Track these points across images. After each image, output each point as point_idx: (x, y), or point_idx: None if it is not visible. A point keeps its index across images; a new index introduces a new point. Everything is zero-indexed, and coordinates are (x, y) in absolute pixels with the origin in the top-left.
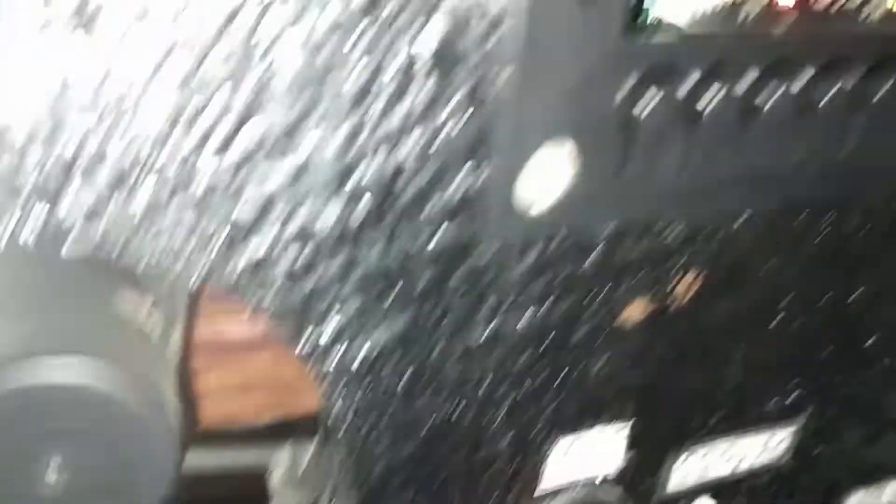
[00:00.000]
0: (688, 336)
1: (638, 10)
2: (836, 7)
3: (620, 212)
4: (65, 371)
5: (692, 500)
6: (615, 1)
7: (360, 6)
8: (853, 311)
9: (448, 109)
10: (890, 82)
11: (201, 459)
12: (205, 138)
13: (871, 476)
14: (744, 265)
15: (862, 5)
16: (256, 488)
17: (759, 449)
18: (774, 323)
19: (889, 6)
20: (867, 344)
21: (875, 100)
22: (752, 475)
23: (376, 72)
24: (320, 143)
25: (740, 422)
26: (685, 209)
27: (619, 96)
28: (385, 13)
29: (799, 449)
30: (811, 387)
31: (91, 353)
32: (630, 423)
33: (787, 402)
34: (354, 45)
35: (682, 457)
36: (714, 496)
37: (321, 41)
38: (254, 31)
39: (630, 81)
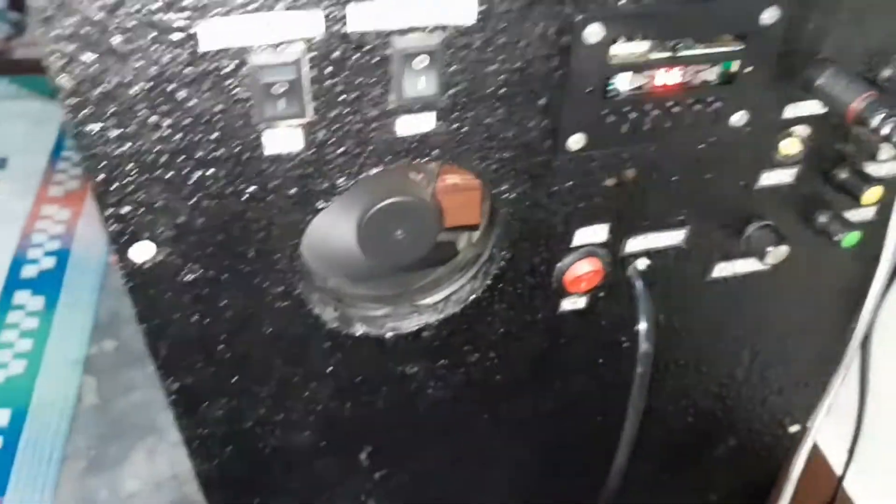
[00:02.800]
0: (632, 190)
1: (606, 92)
2: (681, 81)
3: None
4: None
5: (637, 258)
6: (598, 91)
7: None
8: None
9: None
10: (700, 105)
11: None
12: None
13: (727, 257)
14: None
15: (691, 80)
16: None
17: (668, 238)
18: (671, 187)
19: None
20: None
21: (694, 112)
22: (666, 249)
23: None
24: None
25: (657, 227)
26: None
27: (601, 118)
28: None
29: (687, 241)
30: (690, 214)
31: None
32: (608, 224)
33: (679, 219)
34: None
35: (632, 237)
36: (648, 257)
37: None
38: None
39: (603, 112)
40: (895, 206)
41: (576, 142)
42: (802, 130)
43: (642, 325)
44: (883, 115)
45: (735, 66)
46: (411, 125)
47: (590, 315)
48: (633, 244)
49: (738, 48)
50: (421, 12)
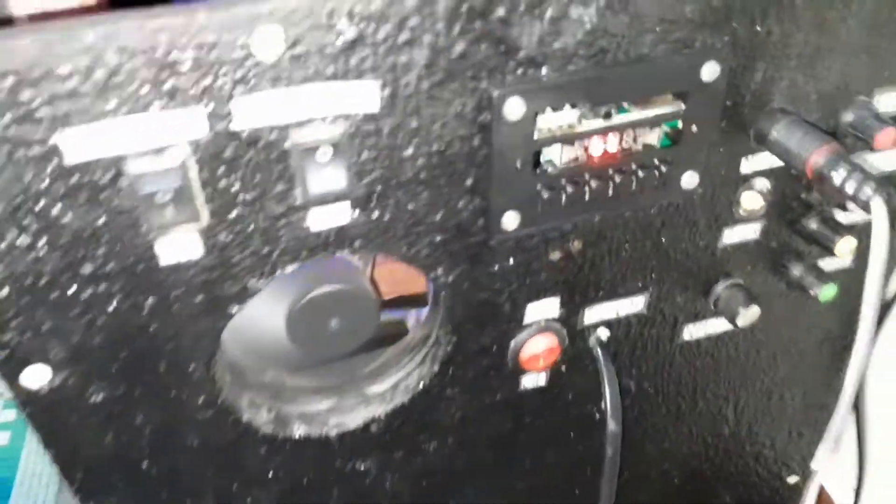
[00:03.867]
0: (581, 261)
1: (537, 165)
2: (620, 148)
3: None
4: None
5: (597, 328)
6: (528, 166)
7: None
8: None
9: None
10: (646, 171)
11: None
12: None
13: (696, 317)
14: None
15: (631, 147)
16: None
17: (628, 305)
18: (624, 253)
19: None
20: None
21: (639, 178)
22: (627, 317)
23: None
24: None
25: (614, 295)
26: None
27: (534, 195)
28: None
29: (650, 306)
30: (649, 279)
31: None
32: (559, 297)
33: (639, 285)
34: None
35: (589, 309)
36: (608, 327)
37: None
38: None
39: (537, 188)
40: (871, 252)
41: (510, 221)
42: (762, 184)
43: (607, 402)
44: (845, 172)
45: (679, 125)
46: (325, 219)
47: (554, 391)
48: (591, 315)
49: (678, 108)
50: (316, 103)
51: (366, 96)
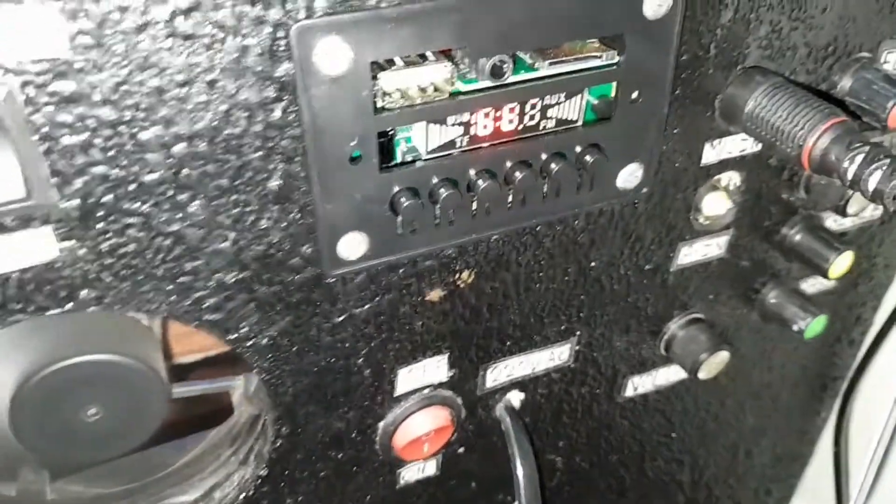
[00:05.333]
0: (475, 300)
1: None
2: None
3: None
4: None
5: (506, 393)
6: (371, 158)
7: None
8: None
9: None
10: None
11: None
12: None
13: (643, 366)
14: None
15: (538, 124)
16: (226, 404)
17: (547, 358)
18: (538, 284)
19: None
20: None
21: (553, 173)
22: (548, 374)
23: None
24: None
25: (527, 345)
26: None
27: (386, 205)
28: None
29: (579, 356)
30: (576, 318)
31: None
32: (446, 355)
33: (561, 329)
34: None
35: (492, 368)
36: (522, 389)
37: None
38: None
39: (390, 195)
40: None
41: (352, 246)
42: (731, 179)
43: (520, 490)
44: (862, 156)
45: (612, 91)
46: (12, 254)
47: (449, 481)
48: (496, 375)
49: (608, 62)
50: None
51: (43, 33)
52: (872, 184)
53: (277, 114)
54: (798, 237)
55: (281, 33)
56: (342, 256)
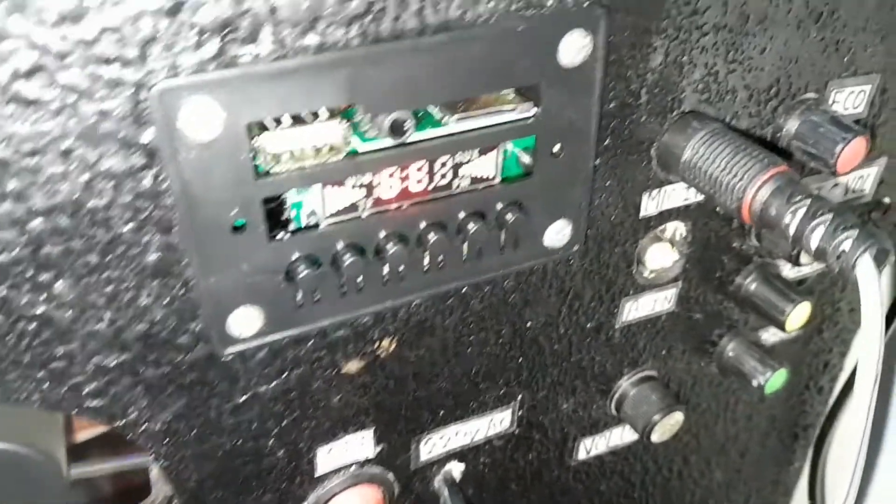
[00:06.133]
0: (399, 370)
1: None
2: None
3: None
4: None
5: (444, 465)
6: (258, 227)
7: None
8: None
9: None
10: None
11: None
12: None
13: (595, 427)
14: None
15: (451, 183)
16: (144, 482)
17: (487, 425)
18: (469, 348)
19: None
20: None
21: (471, 234)
22: (490, 441)
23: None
24: None
25: (463, 413)
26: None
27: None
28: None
29: (522, 420)
30: (515, 382)
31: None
32: (371, 430)
33: (500, 393)
34: None
35: (425, 440)
36: (461, 460)
37: None
38: None
39: (286, 264)
40: (863, 331)
41: (246, 322)
42: (676, 230)
43: None
44: (803, 210)
45: (533, 144)
46: None
47: None
48: (431, 447)
49: (525, 114)
50: None
51: None
52: (815, 241)
53: (148, 182)
54: (753, 286)
55: (143, 95)
56: (233, 334)
